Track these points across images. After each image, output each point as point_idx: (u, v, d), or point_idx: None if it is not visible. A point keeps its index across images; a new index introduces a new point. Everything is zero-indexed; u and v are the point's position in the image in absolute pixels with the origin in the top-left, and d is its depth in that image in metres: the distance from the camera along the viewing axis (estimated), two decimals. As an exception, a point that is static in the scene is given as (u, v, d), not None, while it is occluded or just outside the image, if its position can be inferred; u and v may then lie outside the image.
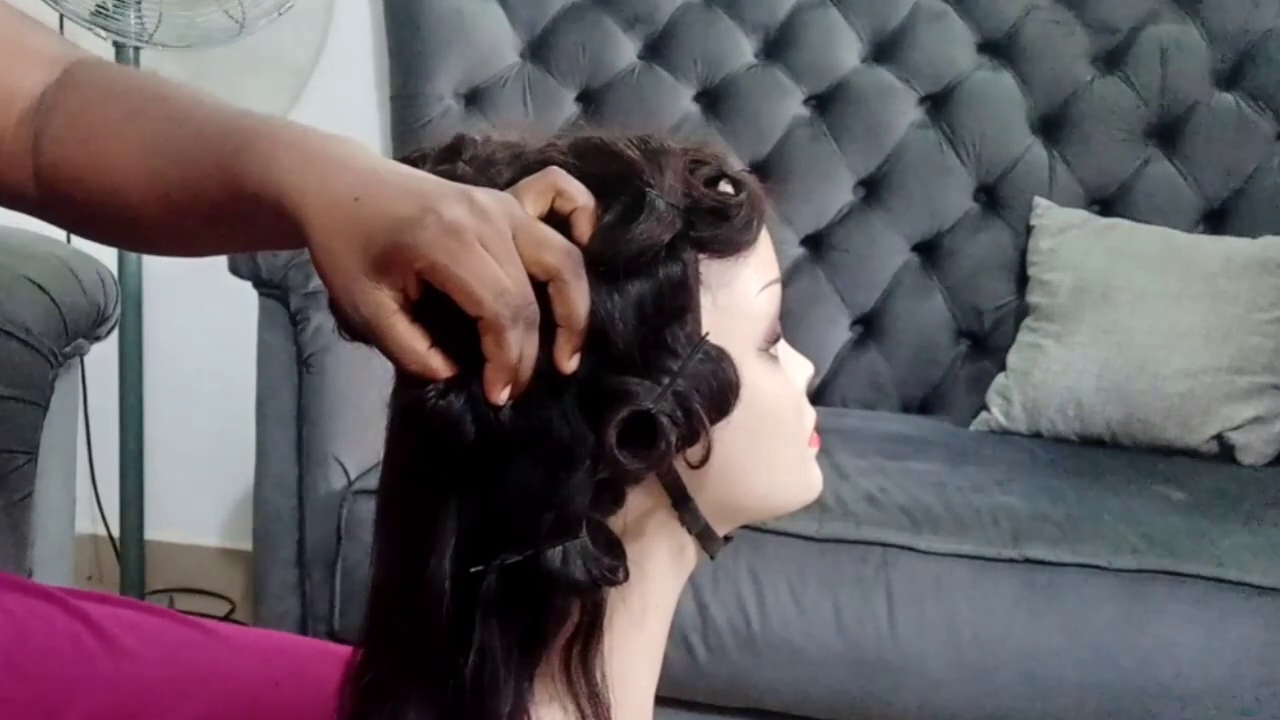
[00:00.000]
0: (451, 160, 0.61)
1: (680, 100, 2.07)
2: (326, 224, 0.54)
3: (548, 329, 0.55)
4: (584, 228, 0.56)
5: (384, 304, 0.54)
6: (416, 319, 0.54)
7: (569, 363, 0.55)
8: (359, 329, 0.55)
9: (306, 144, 0.57)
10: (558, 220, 0.56)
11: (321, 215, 0.54)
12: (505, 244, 0.53)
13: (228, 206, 0.59)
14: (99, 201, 0.65)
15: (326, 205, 0.54)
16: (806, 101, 2.06)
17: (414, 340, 0.54)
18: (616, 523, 0.59)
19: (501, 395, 0.53)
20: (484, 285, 0.52)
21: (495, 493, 0.56)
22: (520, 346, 0.53)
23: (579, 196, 0.56)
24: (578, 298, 0.54)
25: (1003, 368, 1.90)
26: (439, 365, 0.54)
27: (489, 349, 0.53)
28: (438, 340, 0.54)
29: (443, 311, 0.54)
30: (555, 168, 0.57)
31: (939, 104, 2.03)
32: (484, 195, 0.54)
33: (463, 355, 0.54)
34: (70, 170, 0.66)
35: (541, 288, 0.54)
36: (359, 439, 1.57)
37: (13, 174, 0.68)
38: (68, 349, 1.29)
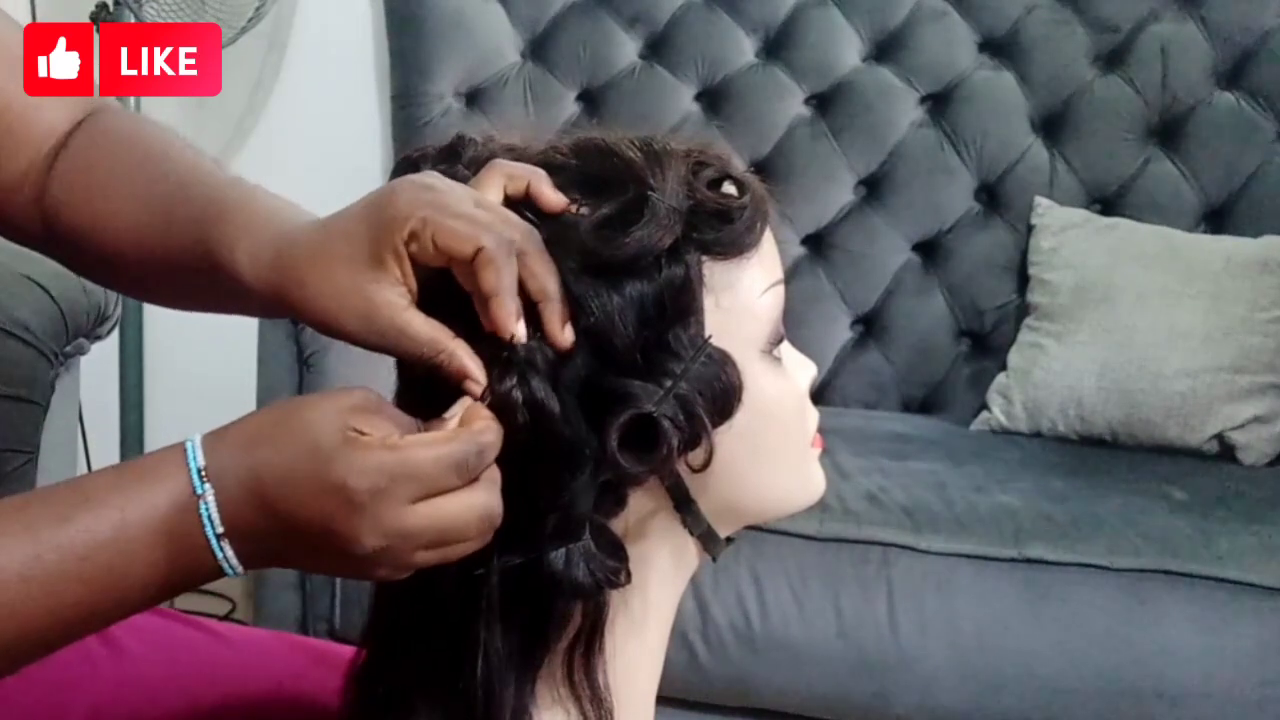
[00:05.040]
0: (451, 161, 0.61)
1: (681, 100, 2.06)
2: (304, 267, 0.55)
3: (533, 325, 0.55)
4: (547, 193, 0.57)
5: (393, 302, 0.54)
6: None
7: (563, 335, 0.55)
8: (378, 339, 0.54)
9: (272, 220, 0.58)
10: (514, 207, 0.57)
11: (297, 264, 0.55)
12: (471, 206, 0.54)
13: (207, 275, 0.60)
14: (96, 251, 0.66)
15: (298, 254, 0.55)
16: (807, 101, 2.05)
17: (435, 329, 0.54)
18: (619, 525, 0.59)
19: (519, 328, 0.53)
20: (473, 222, 0.52)
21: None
22: (514, 278, 0.53)
23: (527, 174, 0.57)
24: (544, 269, 0.55)
25: (1003, 367, 1.90)
26: (467, 356, 0.54)
27: (489, 282, 0.53)
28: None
29: (447, 304, 0.53)
30: (497, 160, 0.59)
31: (940, 103, 2.02)
32: (441, 178, 0.56)
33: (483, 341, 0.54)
34: (72, 217, 0.67)
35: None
36: (359, 438, 1.57)
37: (25, 211, 0.69)
38: (68, 348, 1.29)
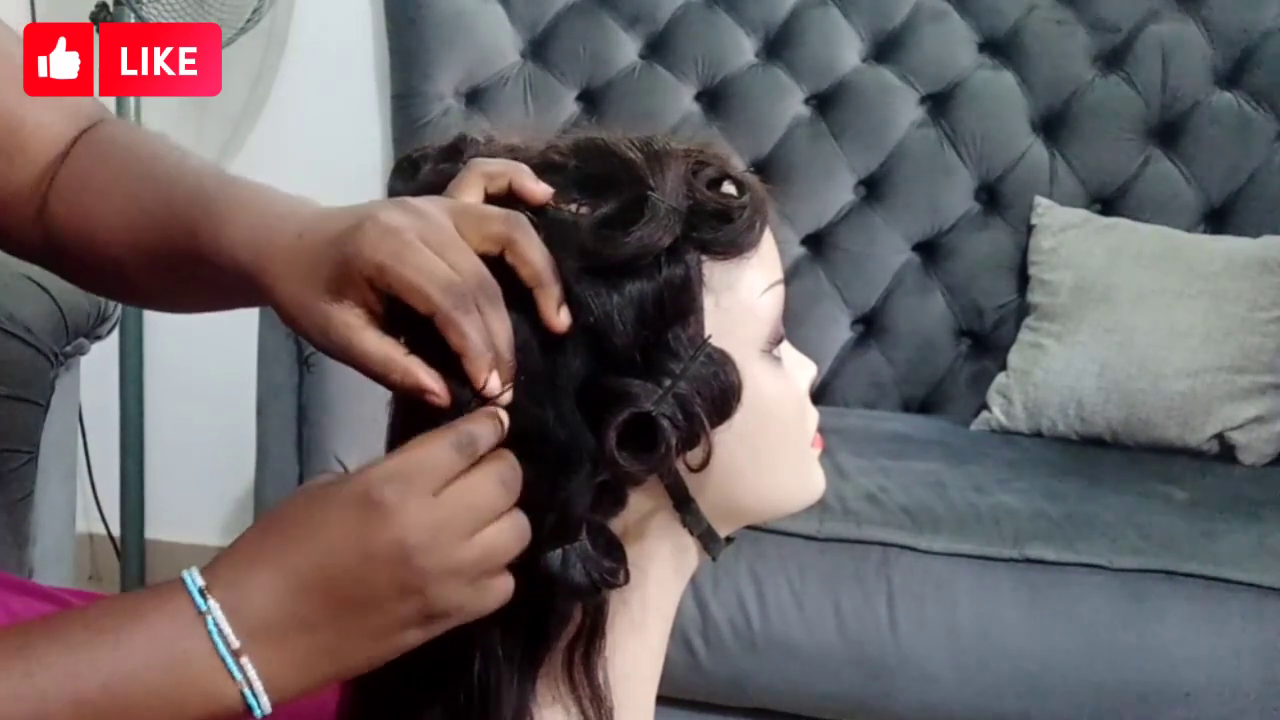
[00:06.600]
0: (453, 160, 0.61)
1: (681, 100, 2.06)
2: (277, 269, 0.56)
3: (532, 322, 0.55)
4: (530, 186, 0.57)
5: (350, 322, 0.54)
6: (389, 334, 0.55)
7: (559, 318, 0.55)
8: (337, 354, 0.55)
9: (255, 204, 0.59)
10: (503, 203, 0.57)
11: (273, 263, 0.56)
12: (448, 235, 0.54)
13: (196, 266, 0.60)
14: (94, 257, 0.67)
15: (275, 252, 0.56)
16: (807, 101, 2.05)
17: (389, 348, 0.54)
18: (618, 525, 0.59)
19: (494, 383, 0.53)
20: (431, 280, 0.52)
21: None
22: (482, 330, 0.53)
23: (506, 170, 0.57)
24: (534, 253, 0.55)
25: (1003, 367, 1.90)
26: (421, 371, 0.54)
27: (454, 342, 0.53)
28: (414, 351, 0.54)
29: (412, 321, 0.53)
30: (475, 159, 0.59)
31: (940, 103, 2.02)
32: (418, 199, 0.55)
33: (439, 357, 0.54)
34: (71, 226, 0.67)
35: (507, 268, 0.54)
36: (360, 438, 1.57)
37: (27, 225, 0.70)
38: (68, 348, 1.29)
